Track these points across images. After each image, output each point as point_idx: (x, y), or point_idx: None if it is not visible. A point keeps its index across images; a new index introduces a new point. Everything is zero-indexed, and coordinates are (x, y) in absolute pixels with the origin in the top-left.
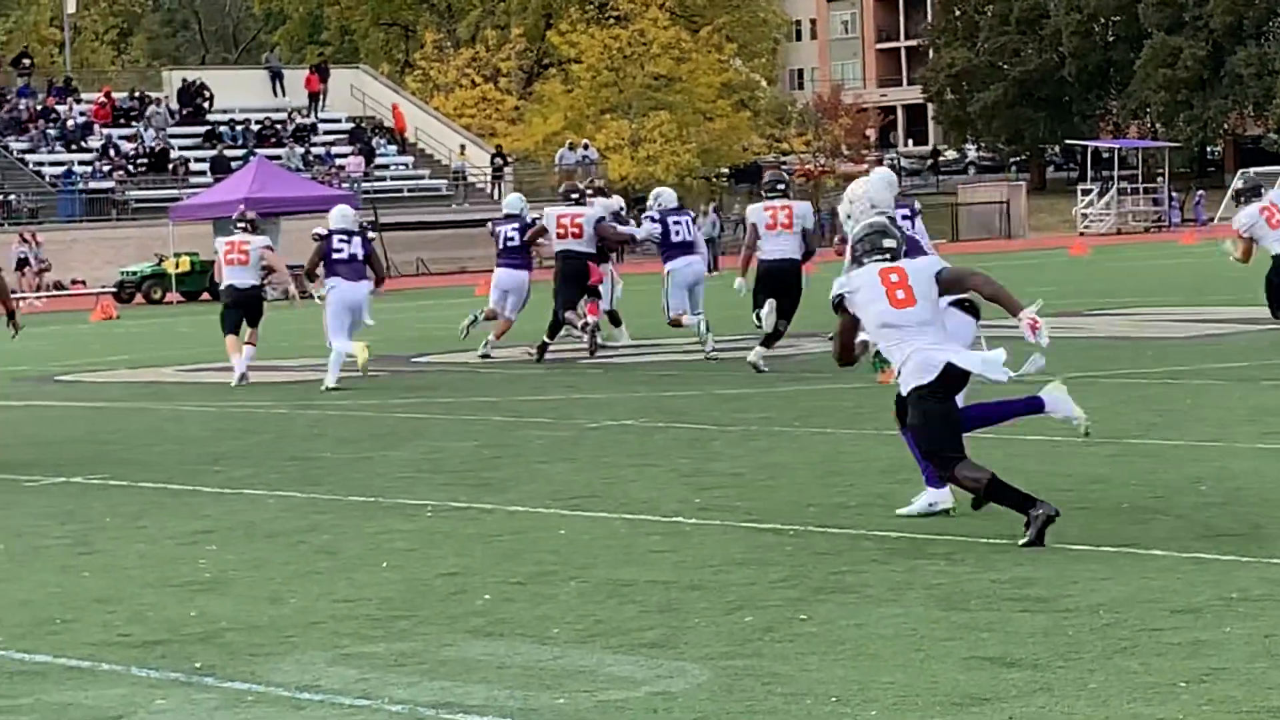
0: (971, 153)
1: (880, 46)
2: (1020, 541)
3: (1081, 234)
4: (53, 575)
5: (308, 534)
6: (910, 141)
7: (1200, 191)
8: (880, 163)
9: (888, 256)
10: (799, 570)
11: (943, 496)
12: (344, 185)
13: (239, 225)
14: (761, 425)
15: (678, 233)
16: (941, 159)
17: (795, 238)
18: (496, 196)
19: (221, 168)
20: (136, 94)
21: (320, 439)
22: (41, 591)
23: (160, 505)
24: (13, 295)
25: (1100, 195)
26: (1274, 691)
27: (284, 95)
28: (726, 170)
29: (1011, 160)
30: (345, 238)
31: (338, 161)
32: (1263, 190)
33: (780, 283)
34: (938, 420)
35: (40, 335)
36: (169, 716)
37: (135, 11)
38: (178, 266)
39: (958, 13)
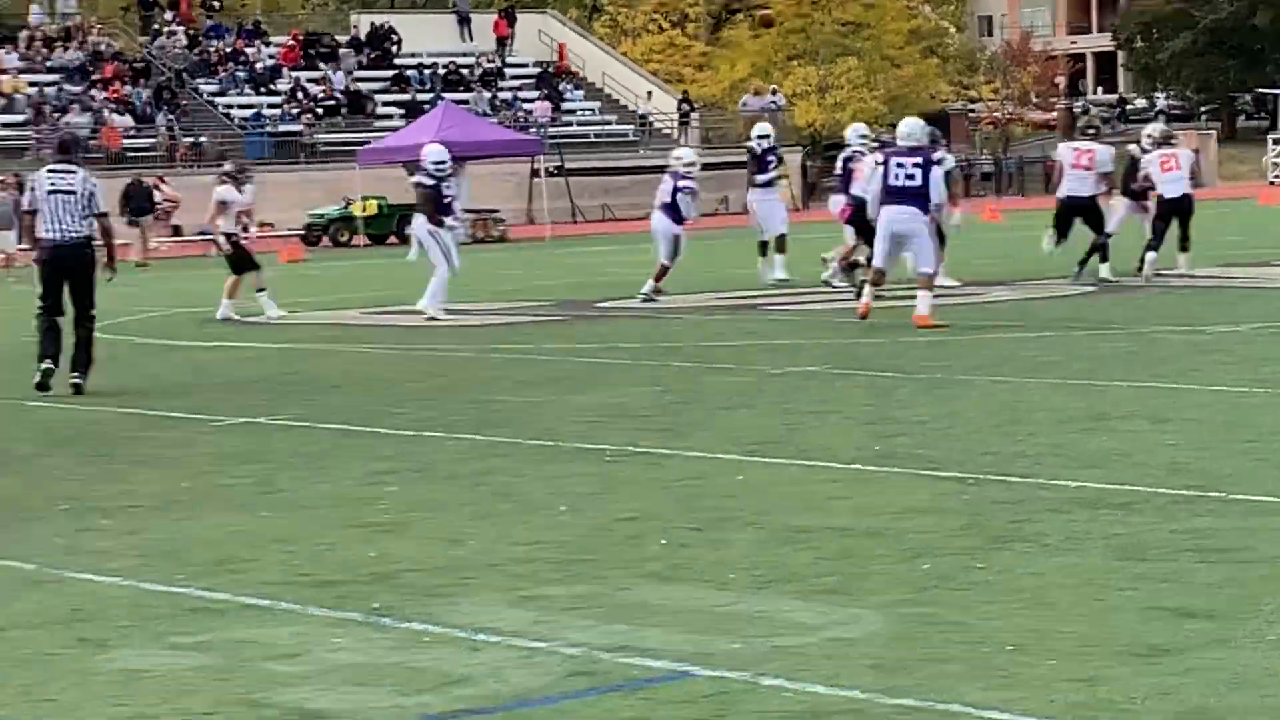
0: (1161, 101)
1: None
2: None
3: (1271, 183)
4: (234, 515)
5: (487, 477)
6: (1099, 89)
7: None
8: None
9: None
10: (976, 519)
11: None
12: (531, 130)
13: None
14: (945, 373)
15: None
16: (1130, 107)
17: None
18: (683, 142)
19: (410, 111)
20: (325, 36)
21: (502, 383)
22: (223, 531)
23: (342, 447)
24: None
25: None
26: None
27: (471, 39)
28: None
29: (1201, 109)
30: None
31: (525, 106)
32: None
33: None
34: None
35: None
36: (345, 655)
37: None
38: (364, 210)
39: None
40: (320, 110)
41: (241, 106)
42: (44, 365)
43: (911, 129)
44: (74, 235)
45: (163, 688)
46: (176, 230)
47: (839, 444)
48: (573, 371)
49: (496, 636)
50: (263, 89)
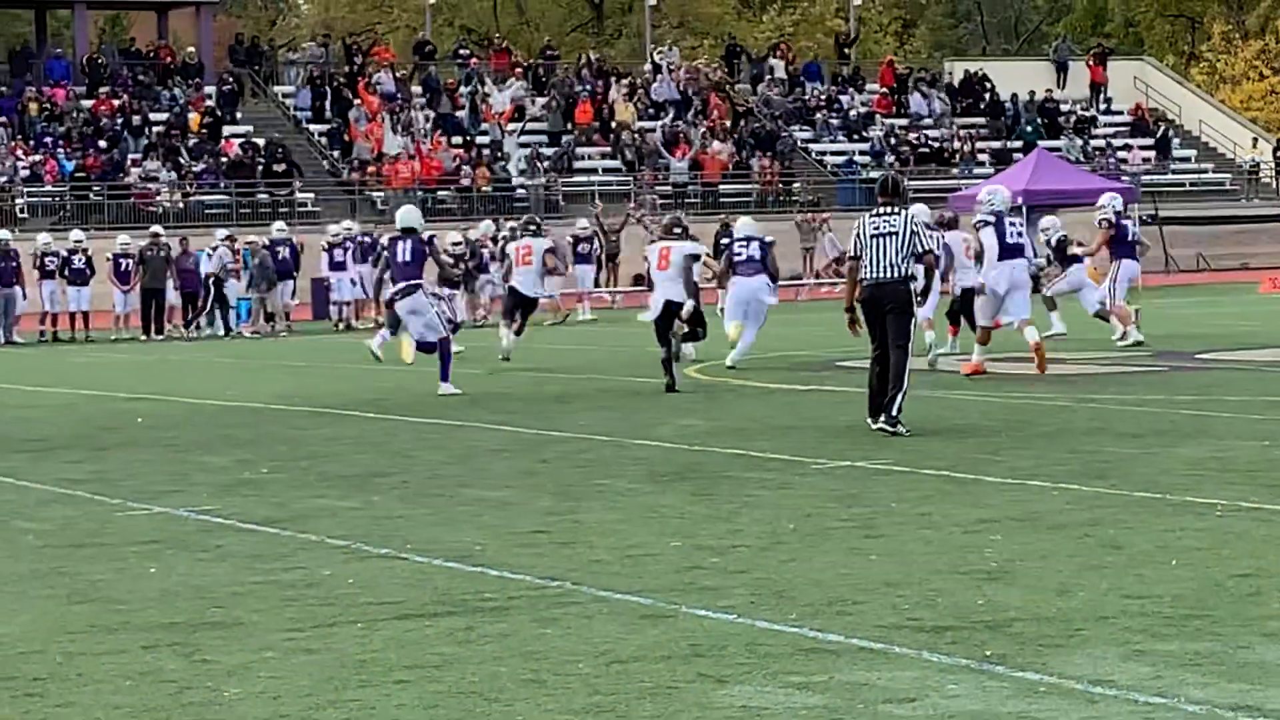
0: None
1: None
2: None
3: None
4: (841, 557)
5: (1093, 528)
6: None
7: None
8: None
9: None
10: None
11: None
12: (1124, 179)
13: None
14: None
15: None
16: None
17: None
18: None
19: (1002, 159)
20: (915, 78)
21: (1102, 433)
22: (831, 573)
23: (944, 493)
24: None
25: None
26: None
27: (1064, 87)
28: None
29: None
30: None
31: (1119, 154)
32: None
33: None
34: None
35: (819, 321)
36: (961, 702)
37: (920, 3)
38: None
39: None
40: (913, 157)
41: (834, 153)
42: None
43: None
44: (892, 276)
45: None
46: None
47: None
48: (1176, 423)
49: (1114, 690)
50: (855, 136)
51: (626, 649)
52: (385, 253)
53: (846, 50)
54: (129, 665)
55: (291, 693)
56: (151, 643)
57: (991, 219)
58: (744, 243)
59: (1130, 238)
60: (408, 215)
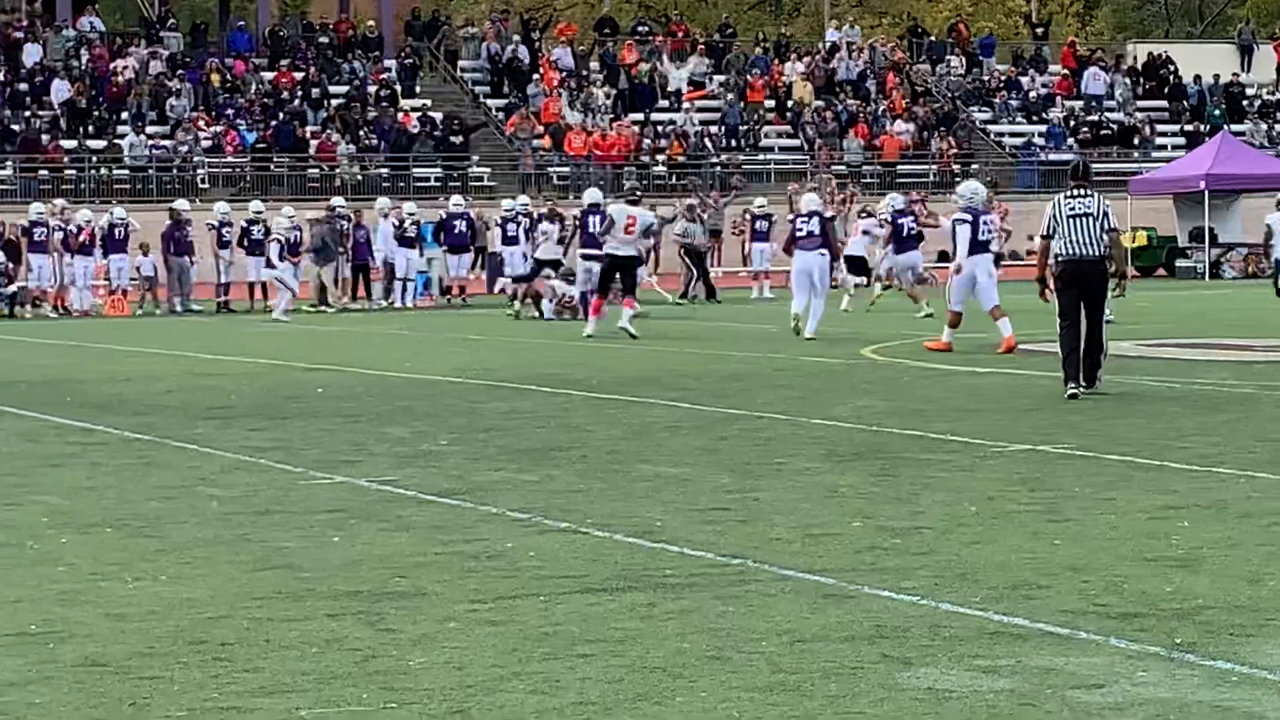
0: None
1: None
2: None
3: None
4: (1025, 541)
5: None
6: None
7: None
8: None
9: None
10: None
11: None
12: None
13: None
14: None
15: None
16: None
17: None
18: None
19: (1192, 142)
20: (1097, 60)
21: None
22: (1015, 556)
23: (1129, 478)
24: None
25: None
26: None
27: (1249, 71)
28: None
29: None
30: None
31: None
32: None
33: None
34: None
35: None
36: (1150, 689)
37: None
38: (1134, 241)
39: None
40: (1092, 139)
41: (1013, 135)
42: (1070, 389)
43: None
44: (1092, 254)
45: (969, 709)
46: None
47: None
48: None
49: None
50: (1035, 117)
51: (809, 628)
52: (577, 221)
53: (1038, 30)
54: (315, 632)
55: (476, 663)
56: (337, 611)
57: (968, 216)
58: (806, 218)
59: (906, 233)
60: (594, 193)
